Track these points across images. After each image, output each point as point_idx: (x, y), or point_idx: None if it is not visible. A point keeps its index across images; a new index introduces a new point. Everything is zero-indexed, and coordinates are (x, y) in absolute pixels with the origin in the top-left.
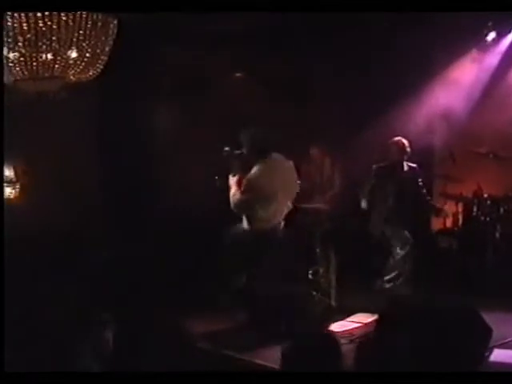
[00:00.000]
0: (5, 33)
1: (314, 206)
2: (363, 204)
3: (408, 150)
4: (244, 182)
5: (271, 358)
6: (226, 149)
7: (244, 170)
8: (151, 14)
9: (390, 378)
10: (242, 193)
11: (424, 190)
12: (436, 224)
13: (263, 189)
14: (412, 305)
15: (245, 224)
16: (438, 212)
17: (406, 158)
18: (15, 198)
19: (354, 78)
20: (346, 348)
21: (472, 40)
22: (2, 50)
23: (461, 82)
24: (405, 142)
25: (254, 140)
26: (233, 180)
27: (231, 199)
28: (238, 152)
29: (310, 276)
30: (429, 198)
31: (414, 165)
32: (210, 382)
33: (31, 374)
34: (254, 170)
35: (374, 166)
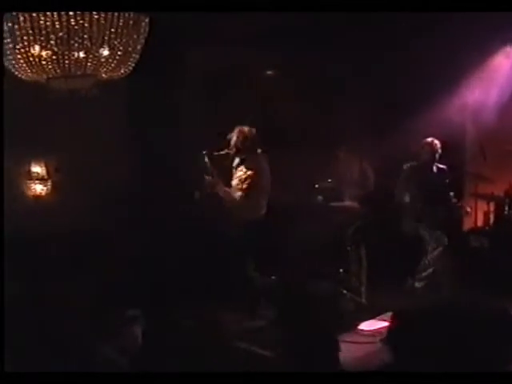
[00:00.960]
0: (37, 31)
1: (345, 204)
2: (392, 201)
3: (440, 151)
4: (243, 180)
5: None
6: (205, 152)
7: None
8: (180, 12)
9: (421, 378)
10: (245, 190)
11: (451, 192)
12: (467, 223)
13: (260, 184)
14: (442, 304)
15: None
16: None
17: (437, 158)
18: (46, 194)
19: (386, 77)
20: (376, 346)
21: (504, 37)
22: (3, 50)
23: (492, 79)
24: (437, 142)
25: (244, 138)
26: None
27: (231, 195)
28: (223, 152)
29: (340, 274)
30: (455, 200)
31: (444, 166)
32: (214, 381)
33: (31, 374)
34: (252, 168)
35: (406, 165)
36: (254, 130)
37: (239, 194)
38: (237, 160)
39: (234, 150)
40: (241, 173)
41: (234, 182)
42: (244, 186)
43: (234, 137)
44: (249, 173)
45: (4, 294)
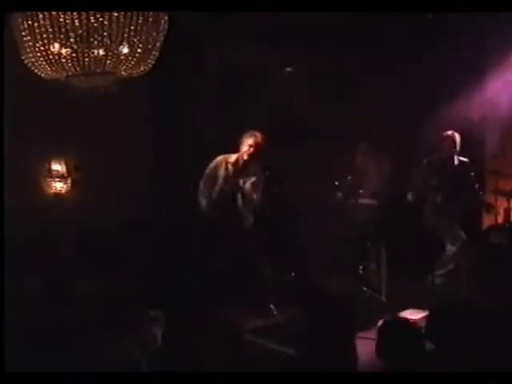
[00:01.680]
0: (57, 29)
1: (365, 201)
2: (412, 198)
3: (459, 144)
4: (256, 183)
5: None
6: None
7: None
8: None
9: (421, 378)
10: (257, 191)
11: (476, 185)
12: (487, 220)
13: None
14: (463, 301)
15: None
16: (489, 208)
17: (457, 152)
18: (66, 192)
19: (406, 72)
20: None
21: None
22: (3, 50)
23: None
24: (457, 135)
25: (258, 145)
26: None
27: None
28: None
29: (360, 271)
30: (481, 193)
31: (466, 159)
32: (220, 381)
33: (31, 374)
34: (261, 171)
35: (425, 160)
36: (265, 137)
37: (253, 196)
38: (246, 163)
39: (247, 157)
40: (252, 176)
41: (246, 184)
42: (256, 187)
43: (247, 142)
44: (253, 179)
45: (4, 292)
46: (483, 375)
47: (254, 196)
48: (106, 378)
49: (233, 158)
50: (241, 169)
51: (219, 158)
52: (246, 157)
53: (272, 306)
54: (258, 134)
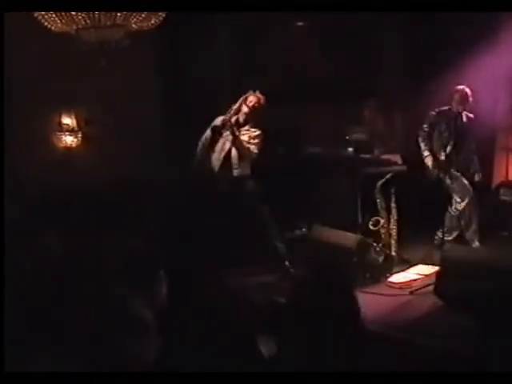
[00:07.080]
0: None
1: (376, 156)
2: (422, 149)
3: (470, 99)
4: (254, 137)
5: None
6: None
7: None
8: None
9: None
10: (257, 145)
11: (473, 145)
12: (497, 177)
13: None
14: (472, 258)
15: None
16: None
17: (467, 108)
18: (77, 146)
19: (419, 27)
20: (406, 299)
21: None
22: (3, 50)
23: None
24: (468, 91)
25: (256, 104)
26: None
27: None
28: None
29: (370, 227)
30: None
31: (471, 115)
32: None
33: (31, 374)
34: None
35: (433, 112)
36: (263, 98)
37: (252, 147)
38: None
39: (248, 111)
40: (252, 131)
41: (245, 137)
42: (256, 141)
43: (249, 99)
44: (258, 132)
45: (4, 289)
46: (482, 375)
47: (253, 147)
48: (107, 378)
49: (233, 117)
50: (241, 124)
51: (219, 118)
52: (246, 110)
53: (287, 263)
54: (259, 94)
